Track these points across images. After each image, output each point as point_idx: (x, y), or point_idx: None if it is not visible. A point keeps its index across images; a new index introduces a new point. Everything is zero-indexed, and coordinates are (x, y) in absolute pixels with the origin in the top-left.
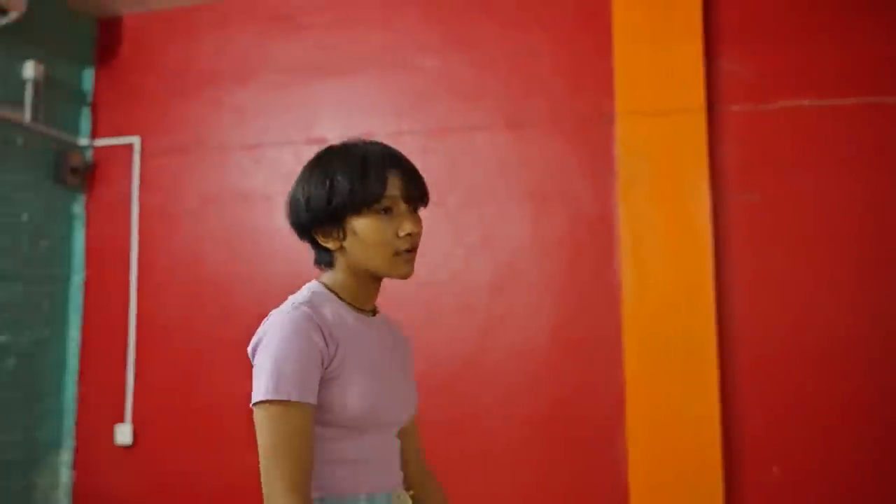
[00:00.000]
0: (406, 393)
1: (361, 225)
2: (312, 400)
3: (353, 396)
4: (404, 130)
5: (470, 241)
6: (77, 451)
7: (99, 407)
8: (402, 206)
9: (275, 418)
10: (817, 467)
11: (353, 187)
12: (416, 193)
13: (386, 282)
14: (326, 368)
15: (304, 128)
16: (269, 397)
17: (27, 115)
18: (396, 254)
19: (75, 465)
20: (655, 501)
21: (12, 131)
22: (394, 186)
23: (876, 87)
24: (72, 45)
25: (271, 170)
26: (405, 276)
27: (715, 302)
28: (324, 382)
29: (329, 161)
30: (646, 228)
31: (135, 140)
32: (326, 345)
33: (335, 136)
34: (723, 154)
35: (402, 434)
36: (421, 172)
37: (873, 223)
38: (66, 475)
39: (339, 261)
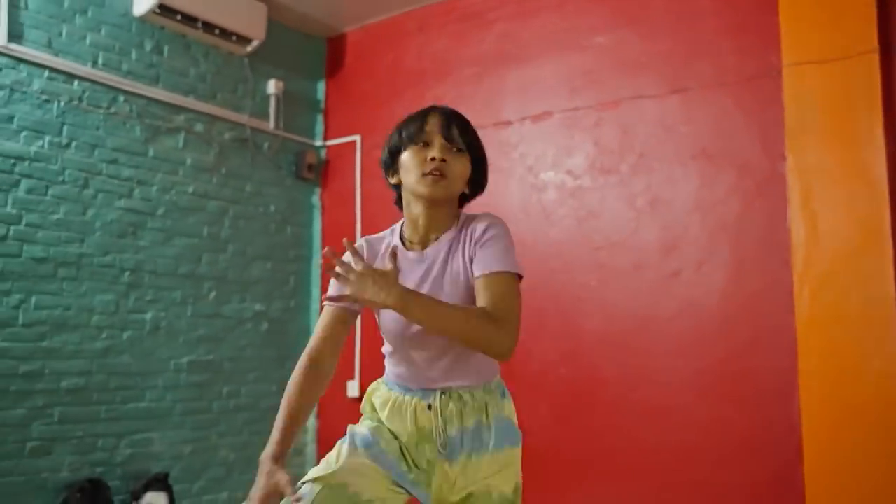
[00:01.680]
0: None
1: (404, 156)
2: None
3: (383, 319)
4: (579, 106)
5: (640, 205)
6: (319, 402)
7: None
8: (439, 141)
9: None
10: None
11: (401, 131)
12: (450, 132)
13: (563, 247)
14: None
15: (493, 113)
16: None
17: (271, 124)
18: (423, 175)
19: (319, 413)
20: (832, 459)
21: (260, 138)
22: (432, 125)
23: None
24: (306, 62)
25: None
26: (426, 196)
27: (894, 252)
28: None
29: (398, 124)
30: (817, 179)
31: (356, 138)
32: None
33: (517, 118)
34: None
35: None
36: (590, 143)
37: None
38: (311, 422)
39: (403, 197)
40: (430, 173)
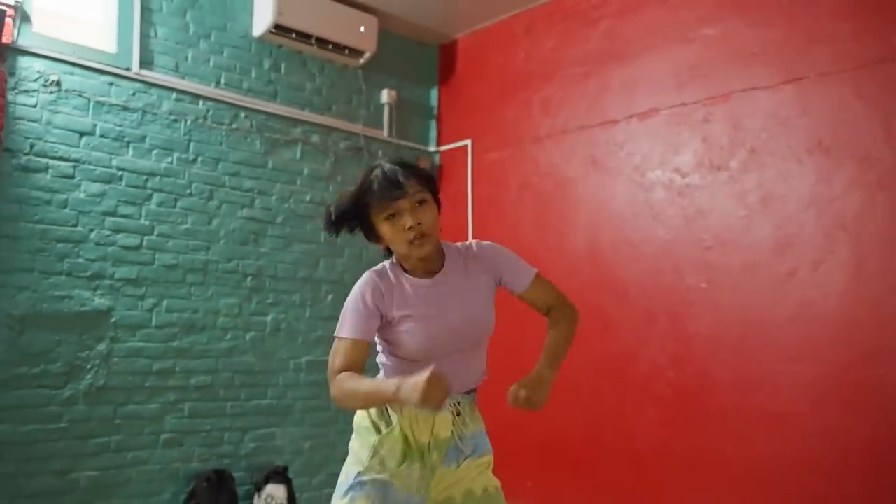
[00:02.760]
0: (466, 326)
1: (384, 230)
2: (361, 336)
3: (407, 340)
4: (686, 101)
5: (752, 202)
6: None
7: None
8: (407, 207)
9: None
10: None
11: (358, 207)
12: (406, 193)
13: (671, 247)
14: (386, 317)
15: (599, 112)
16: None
17: (385, 133)
18: (409, 243)
19: None
20: None
21: (374, 146)
22: (386, 196)
23: None
24: (418, 70)
25: (572, 153)
26: (421, 258)
27: None
28: (389, 327)
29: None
30: None
31: (468, 142)
32: (382, 300)
33: (623, 117)
34: None
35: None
36: (698, 140)
37: None
38: None
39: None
40: (413, 240)
